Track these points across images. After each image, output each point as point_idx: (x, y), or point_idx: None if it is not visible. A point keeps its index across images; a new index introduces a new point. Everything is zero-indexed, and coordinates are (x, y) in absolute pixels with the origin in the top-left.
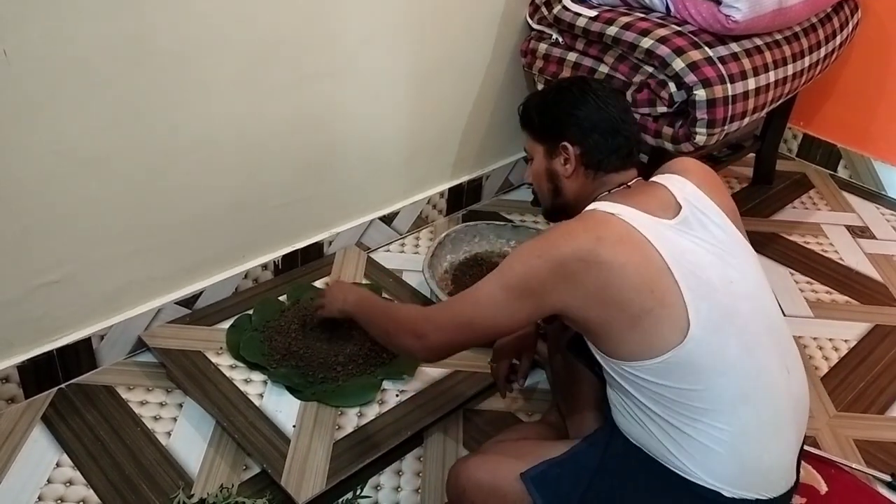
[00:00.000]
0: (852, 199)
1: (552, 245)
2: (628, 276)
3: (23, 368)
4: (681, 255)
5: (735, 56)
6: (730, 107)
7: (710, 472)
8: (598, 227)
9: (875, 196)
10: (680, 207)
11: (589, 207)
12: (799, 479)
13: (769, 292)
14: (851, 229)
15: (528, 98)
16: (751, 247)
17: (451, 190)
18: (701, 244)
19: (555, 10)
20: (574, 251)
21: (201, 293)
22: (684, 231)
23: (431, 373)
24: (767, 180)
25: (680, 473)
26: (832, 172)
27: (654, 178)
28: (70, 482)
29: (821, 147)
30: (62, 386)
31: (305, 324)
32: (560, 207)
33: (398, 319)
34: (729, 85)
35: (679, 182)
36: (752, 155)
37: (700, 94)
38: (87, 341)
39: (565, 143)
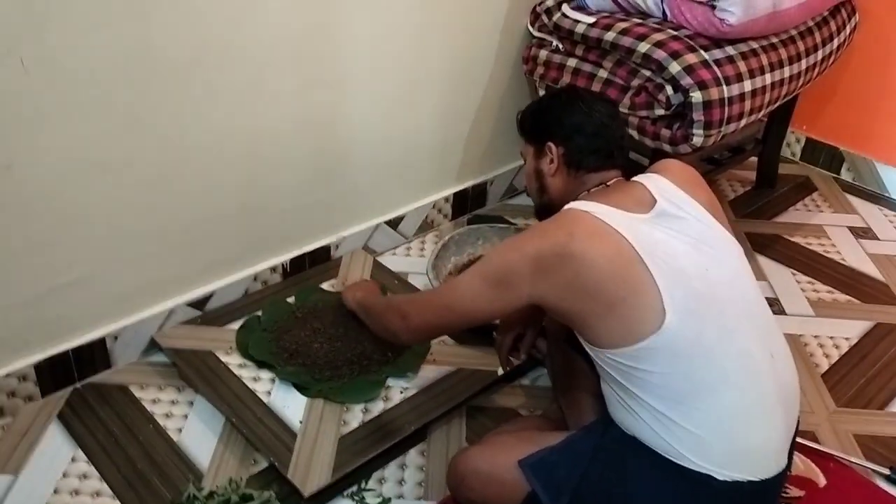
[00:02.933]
0: (855, 202)
1: (528, 241)
2: (599, 266)
3: (39, 367)
4: (653, 246)
5: (731, 59)
6: (726, 108)
7: (700, 456)
8: (570, 224)
9: (878, 198)
10: (654, 202)
11: (565, 207)
12: (791, 464)
13: (750, 280)
14: (854, 230)
15: (526, 107)
16: (732, 238)
17: (456, 195)
18: (675, 235)
19: (554, 18)
20: (548, 246)
21: (212, 295)
22: (658, 223)
23: (435, 371)
24: (770, 183)
25: (672, 459)
26: (835, 175)
27: (634, 178)
28: (85, 476)
29: (824, 150)
30: (77, 385)
31: (313, 325)
32: (547, 205)
33: (387, 304)
34: (725, 87)
35: (656, 179)
36: (754, 158)
37: (696, 96)
38: (101, 341)
39: (550, 144)
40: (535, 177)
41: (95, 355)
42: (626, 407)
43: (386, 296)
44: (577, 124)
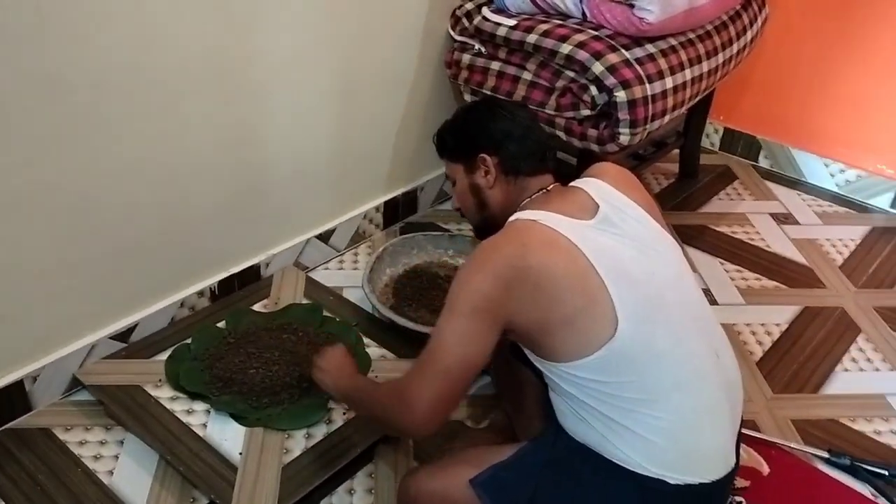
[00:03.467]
0: (775, 188)
1: (483, 260)
2: (558, 277)
3: None
4: (602, 253)
5: (651, 57)
6: (650, 106)
7: (653, 461)
8: (521, 235)
9: (796, 183)
10: (598, 207)
11: (510, 219)
12: (739, 460)
13: (692, 281)
14: (775, 216)
15: (440, 128)
16: (671, 238)
17: (386, 203)
18: (621, 240)
19: (475, 21)
20: (504, 260)
21: (136, 325)
22: (603, 229)
23: None
24: (693, 174)
25: (625, 466)
26: (754, 163)
27: (571, 184)
28: None
29: (741, 139)
30: None
31: (247, 349)
32: (489, 221)
33: (382, 403)
34: (648, 85)
35: (595, 184)
36: (676, 151)
37: (620, 95)
38: (19, 384)
39: (483, 155)
40: (472, 193)
41: (14, 399)
42: (577, 417)
43: (373, 388)
44: (505, 130)
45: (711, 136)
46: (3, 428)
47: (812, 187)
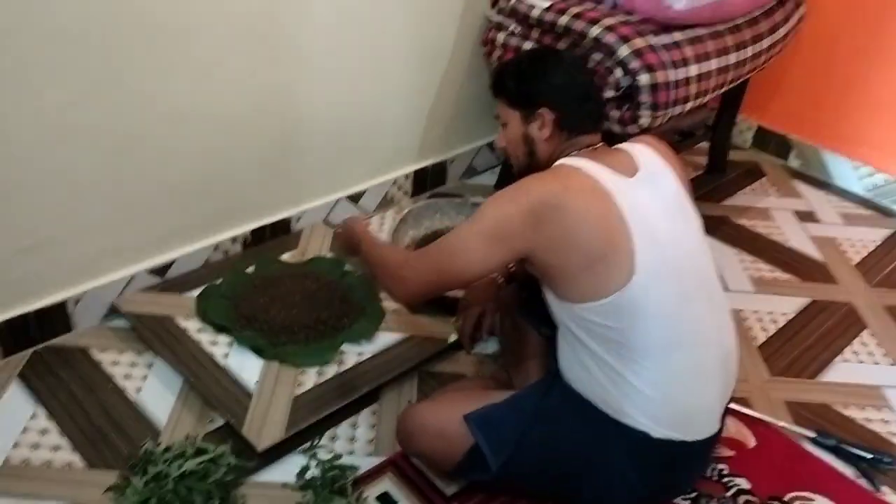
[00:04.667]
0: (801, 187)
1: (524, 191)
2: (590, 222)
3: (0, 329)
4: (634, 208)
5: (677, 44)
6: (672, 91)
7: (643, 412)
8: (565, 178)
9: (824, 184)
10: (638, 169)
11: (558, 163)
12: (723, 427)
13: (708, 254)
14: (798, 214)
15: (502, 66)
16: (696, 212)
17: (416, 172)
18: (654, 201)
19: (512, 2)
20: (543, 196)
21: (173, 263)
22: (640, 187)
23: (389, 337)
24: (720, 169)
25: (613, 415)
26: (784, 162)
27: (617, 146)
28: (45, 431)
29: (773, 138)
30: (38, 347)
31: (271, 293)
32: (533, 168)
33: (385, 265)
34: (671, 71)
35: (640, 148)
36: (706, 144)
37: (644, 78)
38: (62, 305)
39: (543, 110)
40: (524, 141)
41: (56, 318)
42: (579, 361)
43: (382, 249)
44: (567, 88)
45: (744, 133)
46: (45, 344)
47: (839, 189)
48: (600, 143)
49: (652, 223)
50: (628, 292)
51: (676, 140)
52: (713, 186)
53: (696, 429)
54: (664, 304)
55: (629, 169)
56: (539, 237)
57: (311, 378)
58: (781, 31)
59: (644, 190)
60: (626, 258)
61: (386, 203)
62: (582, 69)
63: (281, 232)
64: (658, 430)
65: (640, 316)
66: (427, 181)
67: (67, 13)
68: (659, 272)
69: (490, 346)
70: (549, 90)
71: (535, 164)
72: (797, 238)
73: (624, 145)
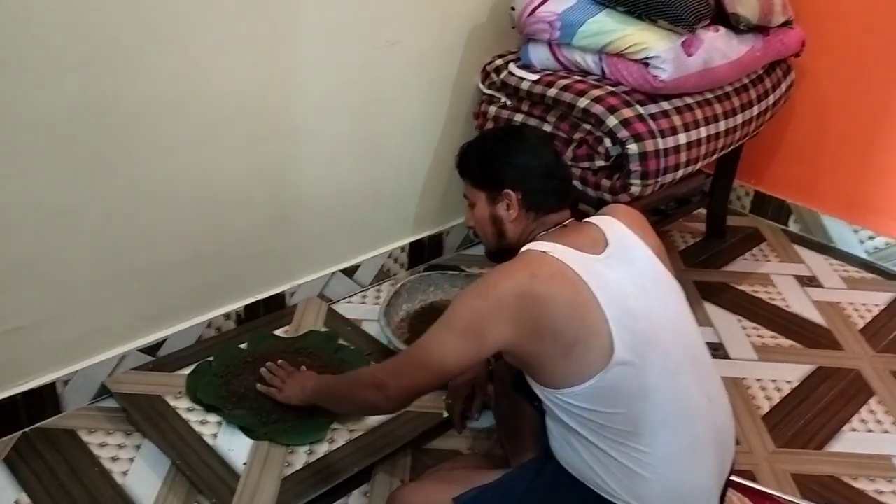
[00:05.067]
0: (802, 252)
1: (491, 285)
2: (560, 307)
3: None
4: (606, 287)
5: (665, 113)
6: (661, 160)
7: (635, 495)
8: (531, 265)
9: (825, 248)
10: (607, 244)
11: (524, 248)
12: None
13: (692, 324)
14: (800, 279)
15: (466, 147)
16: (674, 281)
17: (412, 244)
18: (625, 276)
19: (502, 76)
20: (510, 288)
21: (164, 341)
22: (610, 264)
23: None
24: (720, 234)
25: (607, 497)
26: (784, 227)
27: (587, 219)
28: None
29: (772, 203)
30: (26, 430)
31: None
32: (504, 249)
33: (356, 380)
34: (660, 139)
35: (608, 221)
36: (704, 211)
37: (633, 147)
38: (51, 386)
39: (507, 191)
40: (492, 222)
41: (45, 400)
42: (568, 444)
43: (344, 374)
44: (530, 167)
45: (742, 198)
46: (33, 427)
47: (841, 253)
48: (569, 220)
49: (626, 301)
50: (608, 375)
51: (673, 207)
52: (713, 252)
53: None
54: (647, 383)
55: (598, 245)
56: (510, 329)
57: (300, 458)
58: (772, 98)
59: (615, 267)
60: (602, 340)
61: (382, 275)
62: (546, 147)
63: (275, 307)
64: None
65: (622, 398)
66: (423, 253)
67: (51, 98)
68: (639, 351)
69: (483, 422)
70: (511, 171)
71: (505, 245)
72: (799, 303)
73: (594, 219)
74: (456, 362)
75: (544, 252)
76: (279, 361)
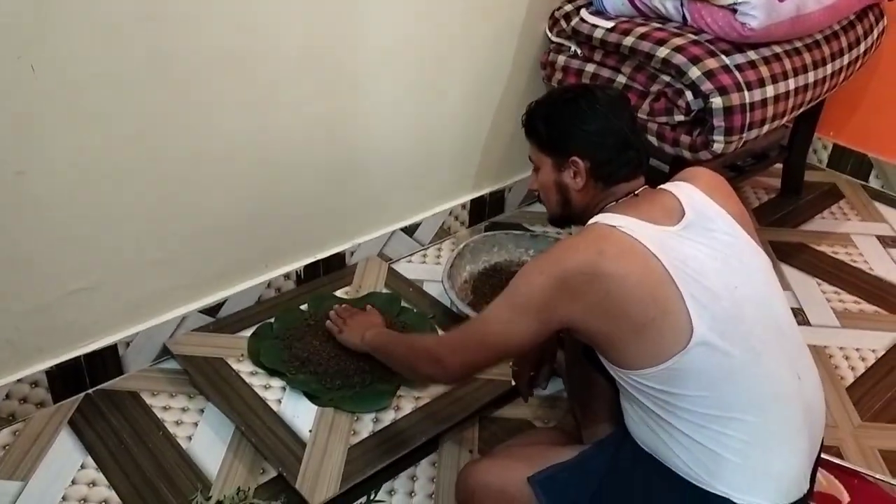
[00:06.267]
0: (884, 210)
1: (555, 261)
2: (630, 286)
3: (51, 374)
4: (682, 263)
5: (752, 64)
6: (747, 114)
7: (721, 479)
8: (599, 241)
9: None
10: (684, 213)
11: (591, 221)
12: (813, 487)
13: (779, 297)
14: (882, 239)
15: (533, 107)
16: (762, 251)
17: (473, 202)
18: (704, 250)
19: (573, 23)
20: (576, 266)
21: (225, 302)
22: (687, 237)
23: None
24: (796, 191)
25: (689, 479)
26: (864, 183)
27: (662, 186)
28: (93, 483)
29: (851, 157)
30: (89, 391)
31: (325, 332)
32: (567, 217)
33: (415, 349)
34: (746, 93)
35: (686, 188)
36: (780, 165)
37: (717, 101)
38: (113, 348)
39: (575, 158)
40: (557, 190)
41: (107, 362)
42: (645, 425)
43: (405, 336)
44: (601, 135)
45: (819, 152)
46: (96, 388)
47: None
48: (642, 188)
49: (705, 276)
50: (687, 357)
51: (750, 162)
52: (789, 210)
53: (783, 492)
54: (731, 364)
55: (673, 215)
56: (576, 308)
57: (366, 426)
58: (863, 46)
59: (693, 240)
60: (680, 320)
61: (442, 233)
62: (620, 112)
63: (335, 266)
64: (740, 497)
65: (704, 380)
66: (485, 210)
67: (110, 54)
68: (721, 330)
69: (550, 389)
70: (580, 137)
71: (569, 213)
72: (883, 266)
73: (669, 186)
74: (518, 341)
75: (613, 226)
76: (343, 305)
